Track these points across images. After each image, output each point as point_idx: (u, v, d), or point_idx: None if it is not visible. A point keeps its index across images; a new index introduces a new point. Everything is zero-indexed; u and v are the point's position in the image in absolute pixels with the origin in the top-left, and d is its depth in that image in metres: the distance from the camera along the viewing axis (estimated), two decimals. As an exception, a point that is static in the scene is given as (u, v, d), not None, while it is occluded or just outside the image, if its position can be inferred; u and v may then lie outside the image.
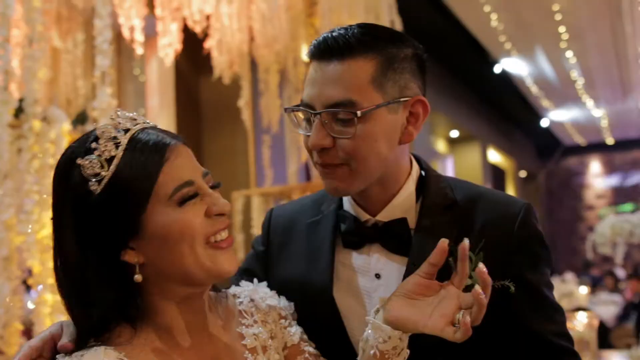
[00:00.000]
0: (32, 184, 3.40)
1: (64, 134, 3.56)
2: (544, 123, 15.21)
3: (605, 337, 7.47)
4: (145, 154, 1.17)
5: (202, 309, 1.29)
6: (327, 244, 1.47)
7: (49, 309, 3.47)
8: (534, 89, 12.34)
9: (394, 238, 1.41)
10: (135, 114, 1.26)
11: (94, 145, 1.18)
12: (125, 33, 4.31)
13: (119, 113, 1.23)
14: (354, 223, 1.44)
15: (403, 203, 1.43)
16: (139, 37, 4.33)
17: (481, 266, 1.19)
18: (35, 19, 3.43)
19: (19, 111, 3.41)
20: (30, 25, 3.45)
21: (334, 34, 1.35)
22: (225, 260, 1.22)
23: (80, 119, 3.99)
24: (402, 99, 1.35)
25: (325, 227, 1.50)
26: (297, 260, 1.52)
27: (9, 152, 3.30)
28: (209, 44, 4.91)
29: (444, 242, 1.24)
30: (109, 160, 1.16)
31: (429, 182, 1.46)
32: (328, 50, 1.34)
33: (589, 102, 13.40)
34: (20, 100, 3.43)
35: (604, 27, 9.41)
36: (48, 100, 4.75)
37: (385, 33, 1.37)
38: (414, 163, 1.48)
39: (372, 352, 1.24)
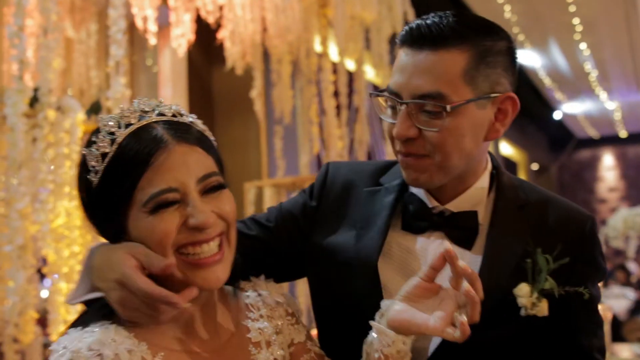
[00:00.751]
0: (46, 173, 3.42)
1: (78, 124, 3.57)
2: (557, 115, 15.13)
3: (617, 330, 7.45)
4: (129, 159, 1.15)
5: (211, 300, 1.28)
6: (383, 219, 1.42)
7: (63, 298, 3.49)
8: (547, 81, 12.27)
9: (460, 229, 1.38)
10: (155, 102, 1.25)
11: (94, 137, 1.19)
12: (139, 23, 4.32)
13: (134, 102, 1.23)
14: (421, 207, 1.40)
15: (474, 196, 1.40)
16: (152, 27, 4.34)
17: (462, 264, 1.18)
18: (49, 9, 3.45)
19: (33, 100, 3.43)
20: (44, 15, 3.47)
21: (427, 21, 1.30)
22: (202, 277, 1.18)
23: (94, 108, 4.00)
24: (492, 95, 1.30)
25: (384, 202, 1.44)
26: (349, 227, 1.45)
27: (24, 141, 3.32)
28: (221, 34, 4.91)
29: (447, 250, 1.20)
30: (104, 156, 1.17)
31: (501, 179, 1.44)
32: (421, 37, 1.29)
33: (603, 95, 13.32)
34: (35, 90, 3.45)
35: (619, 19, 9.34)
36: (62, 90, 4.77)
37: (480, 24, 1.32)
38: (488, 158, 1.46)
39: (376, 355, 1.24)
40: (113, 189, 1.16)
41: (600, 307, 3.01)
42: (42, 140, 3.43)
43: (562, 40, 10.11)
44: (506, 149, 15.04)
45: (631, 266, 12.34)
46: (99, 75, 5.05)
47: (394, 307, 1.25)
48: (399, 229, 1.42)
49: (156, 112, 1.22)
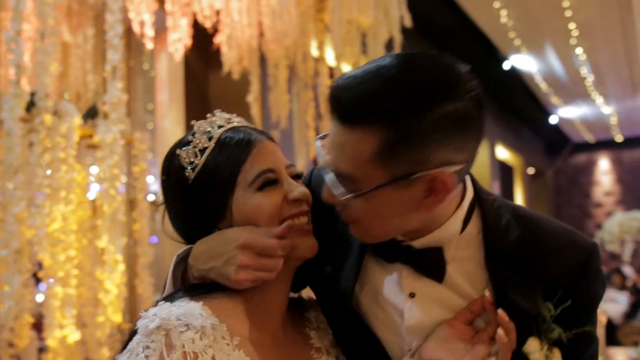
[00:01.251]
0: (43, 177, 3.43)
1: (74, 128, 3.58)
2: (553, 120, 15.17)
3: (612, 334, 7.46)
4: (232, 147, 1.31)
5: (286, 296, 1.39)
6: (357, 249, 1.35)
7: (59, 302, 3.49)
8: (543, 86, 12.30)
9: (426, 265, 1.27)
10: (232, 115, 1.43)
11: (190, 138, 1.35)
12: (135, 28, 4.32)
13: (216, 112, 1.41)
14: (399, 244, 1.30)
15: (443, 235, 1.26)
16: (149, 31, 4.34)
17: (501, 312, 1.19)
18: (46, 13, 3.45)
19: (30, 105, 3.44)
20: (41, 20, 3.47)
21: (346, 87, 1.13)
22: (303, 244, 1.32)
23: (90, 113, 4.01)
24: (414, 175, 1.11)
25: None
26: (326, 241, 1.38)
27: (20, 145, 3.32)
28: (218, 39, 4.92)
29: (487, 296, 1.21)
30: (202, 151, 1.32)
31: (484, 208, 1.29)
32: (333, 108, 1.15)
33: (599, 100, 13.35)
34: (32, 94, 3.46)
35: (614, 24, 9.38)
36: (59, 95, 4.77)
37: (406, 100, 1.08)
38: (469, 189, 1.29)
39: None
40: (216, 176, 1.30)
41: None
42: (38, 144, 3.43)
43: (558, 45, 10.14)
44: (502, 153, 15.07)
45: (627, 270, 12.36)
46: (96, 80, 5.05)
47: (427, 345, 1.24)
48: (373, 254, 1.35)
49: (236, 120, 1.41)
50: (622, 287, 10.92)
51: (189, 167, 1.32)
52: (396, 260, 1.30)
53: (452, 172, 1.13)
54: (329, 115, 1.19)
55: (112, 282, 3.70)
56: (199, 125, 1.37)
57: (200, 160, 1.31)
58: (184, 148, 1.34)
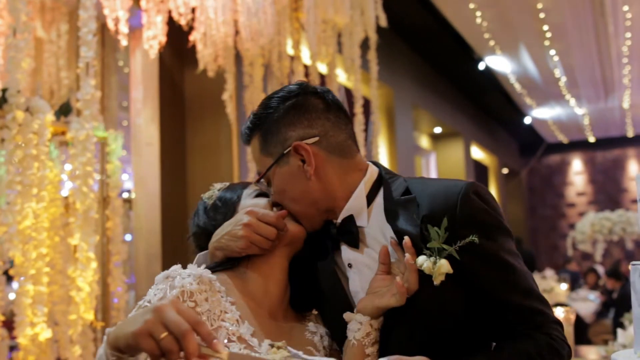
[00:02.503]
0: (14, 174, 3.40)
1: (47, 125, 3.55)
2: (527, 121, 15.31)
3: (584, 333, 7.56)
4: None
5: (282, 283, 1.64)
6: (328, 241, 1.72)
7: (30, 300, 3.47)
8: (517, 87, 12.42)
9: (347, 234, 1.64)
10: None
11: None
12: (110, 24, 4.30)
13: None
14: (328, 225, 1.69)
15: (352, 207, 1.63)
16: (124, 28, 4.32)
17: (407, 239, 1.50)
18: (19, 9, 3.42)
19: (2, 101, 3.40)
20: (14, 15, 3.44)
21: (243, 126, 1.71)
22: (292, 227, 1.66)
23: (63, 110, 3.97)
24: (284, 152, 1.61)
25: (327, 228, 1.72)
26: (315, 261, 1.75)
27: (-9, 142, 3.29)
28: (193, 36, 4.91)
29: (383, 247, 1.55)
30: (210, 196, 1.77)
31: (386, 186, 1.65)
32: (243, 140, 1.72)
33: (572, 101, 13.51)
34: (4, 91, 3.43)
35: (587, 26, 9.49)
36: (31, 91, 4.73)
37: (260, 108, 1.68)
38: (370, 172, 1.68)
39: (351, 344, 1.54)
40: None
41: (564, 309, 3.05)
42: (10, 141, 3.40)
43: (532, 46, 10.24)
44: (477, 153, 15.19)
45: (600, 269, 12.52)
46: (70, 77, 5.01)
47: (360, 299, 1.57)
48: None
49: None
50: (595, 287, 11.06)
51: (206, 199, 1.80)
52: (338, 243, 1.67)
53: (311, 142, 1.60)
54: None
55: (85, 280, 3.68)
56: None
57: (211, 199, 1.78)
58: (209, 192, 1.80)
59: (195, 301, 1.44)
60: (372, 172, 1.68)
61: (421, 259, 1.48)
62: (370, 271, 1.59)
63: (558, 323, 1.54)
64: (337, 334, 1.65)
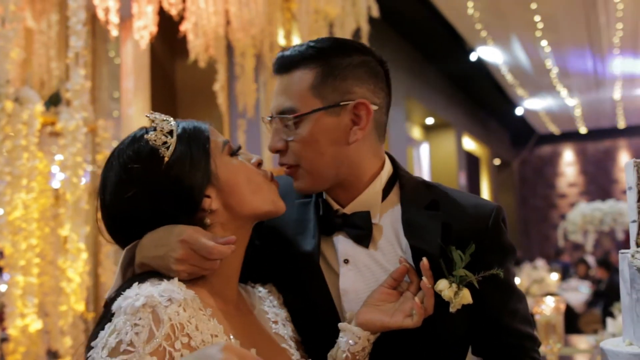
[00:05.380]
0: (3, 165, 3.38)
1: (36, 115, 3.53)
2: (519, 111, 15.34)
3: (574, 322, 7.61)
4: (193, 125, 1.43)
5: (241, 261, 1.46)
6: (313, 224, 1.56)
7: (20, 291, 3.46)
8: (509, 78, 12.43)
9: (357, 228, 1.52)
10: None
11: (153, 124, 1.41)
12: (100, 14, 4.27)
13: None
14: (327, 211, 1.55)
15: (368, 199, 1.53)
16: (114, 18, 4.29)
17: (425, 261, 1.41)
18: (8, -1, 3.40)
19: (-10, 91, 3.38)
20: (3, 5, 3.41)
21: (285, 52, 1.50)
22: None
23: (53, 100, 3.95)
24: (342, 103, 1.45)
25: (312, 210, 1.59)
26: (286, 232, 1.59)
27: (-20, 132, 3.27)
28: (184, 26, 4.88)
29: (404, 265, 1.45)
30: (170, 132, 1.39)
31: (402, 182, 1.57)
32: (279, 65, 1.50)
33: (563, 92, 13.54)
34: (-8, 81, 3.40)
35: (579, 18, 9.50)
36: (21, 81, 4.70)
37: (331, 46, 1.49)
38: (387, 164, 1.57)
39: (344, 355, 1.44)
40: (192, 146, 1.38)
41: (554, 298, 3.06)
42: (-1, 131, 3.38)
43: (523, 37, 10.25)
44: (469, 144, 15.21)
45: (590, 260, 12.58)
46: (60, 67, 4.98)
47: (361, 310, 1.45)
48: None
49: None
50: (586, 277, 11.11)
51: (163, 147, 1.37)
52: (334, 231, 1.53)
53: (372, 106, 1.47)
54: (276, 77, 1.51)
55: (75, 271, 3.67)
56: (151, 118, 1.44)
57: (172, 139, 1.38)
58: (150, 133, 1.39)
59: (188, 335, 1.22)
60: (389, 166, 1.58)
61: (443, 284, 1.42)
62: (370, 273, 1.51)
63: (539, 345, 1.61)
64: (302, 324, 1.54)
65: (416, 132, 13.01)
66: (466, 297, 1.42)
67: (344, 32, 5.61)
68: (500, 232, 1.52)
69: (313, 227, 1.55)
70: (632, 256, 1.30)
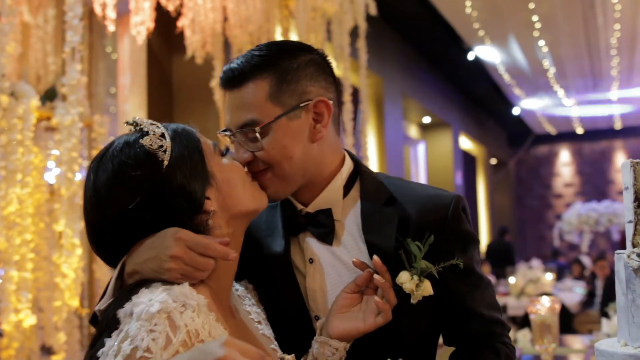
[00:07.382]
0: (-2, 159, 3.37)
1: (32, 110, 3.52)
2: (516, 111, 15.36)
3: (569, 322, 7.61)
4: (182, 128, 1.43)
5: (236, 267, 1.45)
6: (280, 225, 1.60)
7: (15, 286, 3.45)
8: (506, 77, 12.44)
9: (320, 227, 1.55)
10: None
11: (144, 130, 1.38)
12: (97, 10, 4.25)
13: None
14: (292, 211, 1.58)
15: (330, 195, 1.55)
16: (111, 14, 4.28)
17: (376, 258, 1.45)
18: (4, -8, 3.38)
19: (-14, 86, 3.37)
20: (-1, -1, 3.40)
21: (232, 65, 1.49)
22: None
23: (49, 95, 3.94)
24: (301, 105, 1.47)
25: (278, 212, 1.62)
26: (257, 235, 1.62)
27: (-25, 126, 3.26)
28: (181, 23, 4.87)
29: (368, 271, 1.46)
30: (162, 135, 1.37)
31: (362, 178, 1.60)
32: (229, 80, 1.49)
33: (560, 92, 13.55)
34: (-12, 75, 3.39)
35: (576, 18, 9.51)
36: (17, 76, 4.68)
37: (276, 50, 1.49)
38: (347, 160, 1.60)
39: None
40: (188, 148, 1.38)
41: (549, 298, 3.05)
42: (-6, 126, 3.37)
43: (521, 37, 10.26)
44: (465, 143, 15.22)
45: (585, 260, 12.61)
46: (56, 62, 4.97)
47: (330, 322, 1.48)
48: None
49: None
50: (580, 277, 11.13)
51: (160, 151, 1.35)
52: (300, 231, 1.57)
53: (329, 101, 1.49)
54: (225, 93, 1.51)
55: (70, 266, 3.66)
56: (139, 121, 1.42)
57: (167, 143, 1.36)
58: (145, 138, 1.36)
59: (202, 341, 1.19)
60: (349, 162, 1.60)
61: (404, 277, 1.44)
62: (335, 271, 1.54)
63: (509, 329, 1.63)
64: (274, 324, 1.56)
65: (413, 131, 13.02)
66: (427, 288, 1.44)
67: (342, 30, 5.60)
68: (461, 220, 1.55)
69: (281, 228, 1.59)
70: (628, 257, 1.30)
